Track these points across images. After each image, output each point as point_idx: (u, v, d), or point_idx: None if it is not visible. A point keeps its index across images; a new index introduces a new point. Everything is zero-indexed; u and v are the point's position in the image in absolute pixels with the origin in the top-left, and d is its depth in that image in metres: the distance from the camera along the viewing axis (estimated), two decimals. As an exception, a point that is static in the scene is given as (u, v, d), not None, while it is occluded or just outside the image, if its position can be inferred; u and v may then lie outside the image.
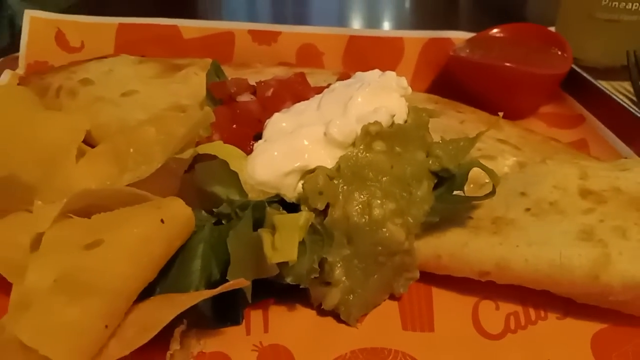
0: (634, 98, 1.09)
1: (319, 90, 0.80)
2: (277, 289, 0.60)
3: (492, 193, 0.59)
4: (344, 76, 0.98)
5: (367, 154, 0.61)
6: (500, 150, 0.76)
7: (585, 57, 1.21)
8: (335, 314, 0.59)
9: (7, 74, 0.99)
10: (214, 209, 0.62)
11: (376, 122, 0.62)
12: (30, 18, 1.06)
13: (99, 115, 0.80)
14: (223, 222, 0.62)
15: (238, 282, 0.50)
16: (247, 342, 0.57)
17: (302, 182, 0.61)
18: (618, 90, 1.13)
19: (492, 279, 0.59)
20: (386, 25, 1.67)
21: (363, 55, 1.09)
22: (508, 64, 0.93)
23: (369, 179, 0.60)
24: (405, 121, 0.67)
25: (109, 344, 0.48)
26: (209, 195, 0.63)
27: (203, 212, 0.63)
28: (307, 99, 0.77)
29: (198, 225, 0.60)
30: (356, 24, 1.67)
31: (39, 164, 0.67)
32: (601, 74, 1.19)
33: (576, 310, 0.59)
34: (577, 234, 0.58)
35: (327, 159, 0.62)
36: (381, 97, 0.67)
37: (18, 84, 0.94)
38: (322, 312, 0.60)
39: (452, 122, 0.84)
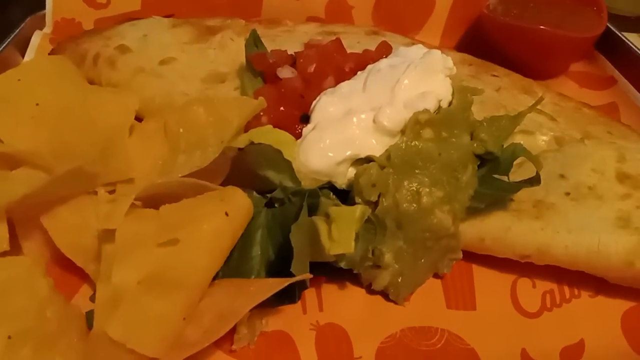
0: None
1: (357, 58, 0.81)
2: (328, 268, 0.64)
3: (538, 181, 0.62)
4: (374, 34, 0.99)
5: (416, 142, 0.64)
6: (537, 123, 0.77)
7: (616, 5, 1.20)
8: (384, 293, 0.64)
9: (38, 35, 0.99)
10: (265, 192, 0.66)
11: (425, 110, 0.64)
12: (55, -27, 1.03)
13: (142, 88, 0.81)
14: (276, 205, 0.65)
15: (303, 276, 0.54)
16: (305, 321, 0.62)
17: (352, 168, 0.64)
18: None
19: (532, 260, 0.64)
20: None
21: (393, 9, 1.08)
22: (543, 27, 0.92)
23: (418, 167, 0.63)
24: (451, 102, 0.69)
25: (187, 332, 0.53)
26: (261, 177, 0.66)
27: (255, 193, 0.66)
28: (346, 69, 0.79)
29: (254, 209, 0.63)
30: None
31: (96, 146, 0.70)
32: (633, 23, 1.18)
33: (607, 288, 0.64)
34: (614, 221, 0.62)
35: (377, 146, 0.64)
36: (427, 79, 0.68)
37: (52, 50, 0.94)
38: (371, 291, 0.64)
39: (488, 89, 0.85)
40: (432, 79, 0.68)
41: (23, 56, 0.96)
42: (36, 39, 0.98)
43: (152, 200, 0.62)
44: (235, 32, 0.92)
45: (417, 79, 0.68)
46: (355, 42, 0.94)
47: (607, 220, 0.62)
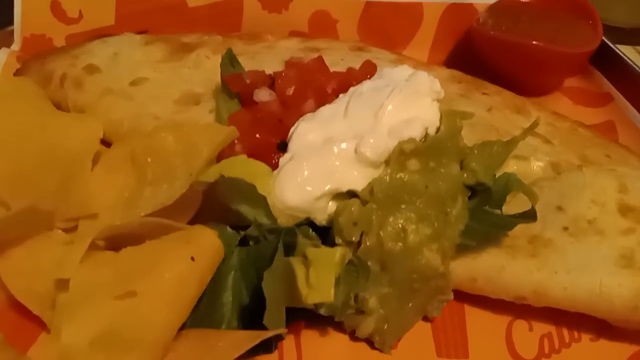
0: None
1: (340, 77, 0.76)
2: (307, 312, 0.59)
3: (534, 217, 0.57)
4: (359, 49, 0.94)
5: (401, 174, 0.59)
6: (531, 147, 0.73)
7: (611, 17, 1.16)
8: (369, 341, 0.59)
9: (5, 53, 0.93)
10: (240, 227, 0.61)
11: (410, 140, 0.59)
12: (23, -13, 0.98)
13: (110, 111, 0.76)
14: (250, 242, 0.60)
15: (277, 331, 0.49)
16: (281, 370, 0.57)
17: (332, 204, 0.59)
18: (645, 57, 1.08)
19: (528, 302, 0.59)
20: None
21: (380, 23, 1.03)
22: (535, 42, 0.88)
23: (403, 201, 0.58)
24: (438, 129, 0.64)
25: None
26: (234, 212, 0.61)
27: (229, 229, 0.61)
28: (329, 89, 0.74)
29: (225, 248, 0.58)
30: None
31: (55, 178, 0.65)
32: (627, 35, 1.14)
33: (610, 331, 0.59)
34: (616, 260, 0.57)
35: (360, 178, 0.59)
36: (413, 104, 0.64)
37: (18, 70, 0.88)
38: (355, 339, 0.59)
39: (479, 110, 0.80)
40: (418, 103, 0.64)
41: (-11, 75, 0.91)
42: (2, 56, 0.93)
43: (114, 241, 0.57)
44: (211, 49, 0.87)
45: (402, 103, 0.63)
46: (339, 58, 0.89)
47: (609, 258, 0.57)
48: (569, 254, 0.58)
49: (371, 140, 0.59)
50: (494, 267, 0.59)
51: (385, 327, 0.58)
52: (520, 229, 0.61)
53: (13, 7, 0.98)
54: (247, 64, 0.82)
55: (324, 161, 0.59)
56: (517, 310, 0.61)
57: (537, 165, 0.70)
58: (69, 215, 0.63)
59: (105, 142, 0.72)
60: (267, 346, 0.56)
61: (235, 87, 0.74)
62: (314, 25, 1.03)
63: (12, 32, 0.98)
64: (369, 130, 0.61)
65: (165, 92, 0.80)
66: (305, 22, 1.03)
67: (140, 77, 0.82)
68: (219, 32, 0.96)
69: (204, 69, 0.84)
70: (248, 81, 0.74)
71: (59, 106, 0.80)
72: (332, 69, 0.81)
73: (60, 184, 0.64)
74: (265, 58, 0.89)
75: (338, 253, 0.54)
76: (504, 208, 0.62)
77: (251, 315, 0.56)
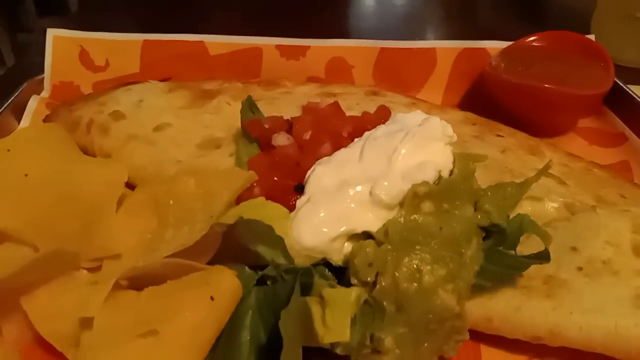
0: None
1: (355, 121, 0.79)
2: (323, 350, 0.60)
3: (547, 258, 0.58)
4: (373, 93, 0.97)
5: (415, 216, 0.60)
6: (545, 188, 0.73)
7: (622, 57, 1.18)
8: (385, 380, 0.59)
9: (35, 100, 0.98)
10: (258, 267, 0.62)
11: (424, 183, 0.61)
12: (54, 37, 1.04)
13: (134, 156, 0.79)
14: (268, 282, 0.61)
15: (294, 373, 0.49)
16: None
17: (348, 244, 0.61)
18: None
19: (544, 342, 0.59)
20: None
21: (394, 68, 1.07)
22: (548, 85, 0.89)
23: (418, 242, 0.59)
24: (452, 171, 0.66)
25: None
26: (253, 253, 0.62)
27: (247, 269, 0.62)
28: (344, 133, 0.76)
29: (243, 288, 0.59)
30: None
31: (80, 219, 0.67)
32: (639, 74, 1.16)
33: (628, 372, 0.58)
34: (632, 300, 0.57)
35: (375, 220, 0.61)
36: (426, 148, 0.65)
37: (47, 116, 0.92)
38: (372, 378, 0.59)
39: (492, 151, 0.82)
40: (430, 147, 0.65)
41: (19, 121, 0.95)
42: (33, 103, 0.97)
43: (137, 281, 0.58)
44: (231, 96, 0.90)
45: (415, 148, 0.65)
46: (354, 103, 0.92)
47: (624, 299, 0.57)
48: (584, 295, 0.58)
49: (385, 183, 0.61)
50: (510, 308, 0.59)
51: (401, 368, 0.58)
52: (535, 269, 0.61)
53: (44, 57, 1.04)
54: (266, 109, 0.85)
55: (340, 203, 0.61)
56: (534, 350, 0.60)
57: (551, 206, 0.71)
58: (93, 255, 0.65)
59: (130, 186, 0.75)
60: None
61: (255, 132, 0.77)
62: (331, 71, 1.07)
63: (41, 80, 1.03)
64: (383, 174, 0.63)
65: (187, 137, 0.83)
66: (322, 68, 1.07)
67: (164, 122, 0.85)
68: (239, 78, 1.01)
69: (224, 114, 0.87)
70: (267, 126, 0.77)
71: (85, 151, 0.83)
72: (348, 113, 0.84)
73: (85, 225, 0.67)
74: (284, 103, 0.92)
75: (354, 293, 0.55)
76: (519, 248, 0.63)
77: (268, 354, 0.56)
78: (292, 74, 1.04)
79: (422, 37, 1.48)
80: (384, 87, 1.01)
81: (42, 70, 1.03)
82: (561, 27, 1.05)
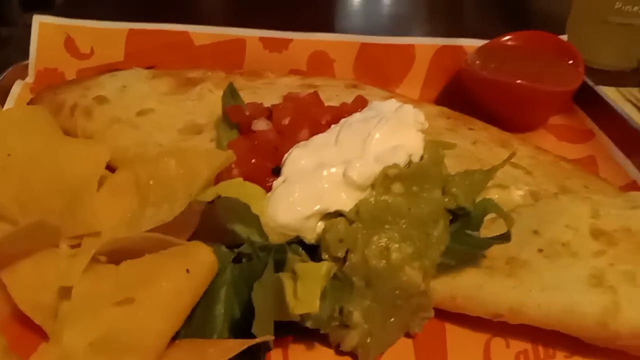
0: (643, 106, 1.10)
1: (333, 111, 0.81)
2: (295, 327, 0.62)
3: (508, 239, 0.61)
4: (354, 87, 0.99)
5: (386, 197, 0.63)
6: (512, 177, 0.77)
7: (596, 60, 1.22)
8: (353, 354, 0.61)
9: (19, 84, 0.99)
10: (234, 246, 0.64)
11: (394, 165, 0.64)
12: (40, 24, 1.05)
13: (116, 138, 0.81)
14: (243, 260, 0.64)
15: (264, 338, 0.52)
16: (269, 383, 0.59)
17: (321, 223, 0.63)
18: (627, 98, 1.14)
19: (505, 320, 0.62)
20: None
21: (374, 63, 1.09)
22: (520, 82, 0.93)
23: (387, 222, 0.62)
24: (422, 157, 0.69)
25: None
26: (230, 231, 0.64)
27: (223, 247, 0.64)
28: (322, 121, 0.78)
29: (219, 264, 0.62)
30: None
31: (63, 198, 0.69)
32: (613, 77, 1.20)
33: (584, 348, 0.62)
34: (588, 279, 0.60)
35: (347, 200, 0.63)
36: (399, 133, 0.68)
37: (31, 100, 0.94)
38: (340, 352, 0.62)
39: (464, 143, 0.85)
40: (403, 133, 0.68)
41: (3, 105, 0.96)
42: (17, 88, 0.99)
43: (116, 255, 0.60)
44: (214, 84, 0.93)
45: (389, 133, 0.67)
46: (334, 95, 0.95)
47: (580, 278, 0.60)
48: (543, 274, 0.61)
49: (358, 165, 0.63)
50: (473, 286, 0.62)
51: (369, 341, 0.60)
52: (498, 251, 0.65)
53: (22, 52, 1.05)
54: (248, 98, 0.87)
55: (314, 184, 0.63)
56: (495, 327, 0.63)
57: (517, 194, 0.74)
58: (74, 233, 0.66)
59: (111, 169, 0.76)
60: (255, 358, 0.59)
61: (235, 118, 0.79)
62: (313, 64, 1.09)
63: (26, 66, 1.05)
64: (357, 156, 0.65)
65: (169, 122, 0.85)
66: (304, 61, 1.09)
67: (147, 108, 0.87)
68: (223, 69, 1.03)
69: (206, 101, 0.89)
70: (247, 113, 0.79)
71: (68, 134, 0.84)
72: (327, 104, 0.86)
73: (67, 204, 0.69)
74: (266, 93, 0.94)
75: (324, 267, 0.57)
76: (486, 233, 0.66)
77: (242, 327, 0.58)
78: (274, 66, 1.07)
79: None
80: (364, 82, 1.04)
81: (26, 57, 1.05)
82: (540, 29, 1.09)
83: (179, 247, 0.59)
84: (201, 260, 0.58)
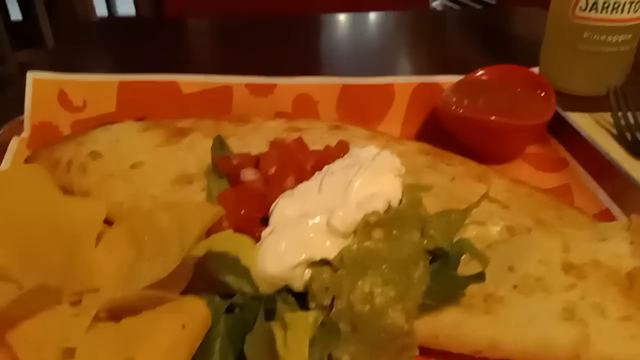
0: (614, 131, 1.15)
1: (318, 155, 0.85)
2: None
3: (483, 278, 0.65)
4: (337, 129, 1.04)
5: (367, 243, 0.67)
6: (489, 213, 0.81)
7: (569, 86, 1.27)
8: (344, 396, 0.65)
9: (16, 140, 1.03)
10: (226, 295, 0.68)
11: (374, 212, 0.68)
12: (33, 80, 1.09)
13: (111, 193, 0.85)
14: (236, 310, 0.67)
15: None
16: None
17: (308, 271, 0.67)
18: (599, 123, 1.19)
19: (484, 355, 0.65)
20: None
21: (356, 103, 1.14)
22: (494, 118, 0.98)
23: (370, 267, 0.66)
24: (401, 201, 0.73)
25: None
26: (221, 283, 0.68)
27: (217, 298, 0.68)
28: (307, 167, 0.83)
29: (213, 316, 0.65)
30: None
31: (62, 256, 0.72)
32: (585, 102, 1.25)
33: (561, 380, 0.65)
34: (560, 313, 0.64)
35: (332, 248, 0.67)
36: (378, 179, 0.72)
37: (28, 157, 0.98)
38: (331, 395, 0.65)
39: (443, 180, 0.89)
40: (381, 179, 0.72)
41: (0, 162, 1.00)
42: (14, 144, 1.02)
43: (115, 311, 0.64)
44: (203, 133, 0.97)
45: (368, 180, 0.72)
46: (318, 137, 0.99)
47: (553, 312, 0.64)
48: (518, 310, 0.65)
49: (340, 214, 0.67)
50: (453, 324, 0.66)
51: (358, 383, 0.64)
52: (476, 289, 0.68)
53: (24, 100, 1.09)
54: (236, 144, 0.92)
55: (300, 234, 0.67)
56: (479, 361, 0.67)
57: (494, 230, 0.78)
58: (74, 289, 0.70)
59: (109, 222, 0.80)
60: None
61: (224, 168, 0.84)
62: (297, 107, 1.14)
63: (22, 122, 1.09)
64: (339, 205, 0.69)
65: (161, 173, 0.89)
66: (289, 104, 1.14)
67: (139, 161, 0.91)
68: (211, 115, 1.07)
69: (197, 151, 0.93)
70: (235, 162, 0.84)
71: (65, 189, 0.88)
72: (311, 147, 0.90)
73: (66, 261, 0.72)
74: (253, 138, 0.98)
75: (311, 316, 0.61)
76: (466, 270, 0.70)
77: (237, 376, 0.62)
78: (261, 110, 1.11)
79: (390, 70, 1.58)
80: (347, 121, 1.08)
81: (20, 108, 1.09)
82: (521, 59, 1.14)
83: (175, 303, 0.62)
84: (196, 314, 0.61)
